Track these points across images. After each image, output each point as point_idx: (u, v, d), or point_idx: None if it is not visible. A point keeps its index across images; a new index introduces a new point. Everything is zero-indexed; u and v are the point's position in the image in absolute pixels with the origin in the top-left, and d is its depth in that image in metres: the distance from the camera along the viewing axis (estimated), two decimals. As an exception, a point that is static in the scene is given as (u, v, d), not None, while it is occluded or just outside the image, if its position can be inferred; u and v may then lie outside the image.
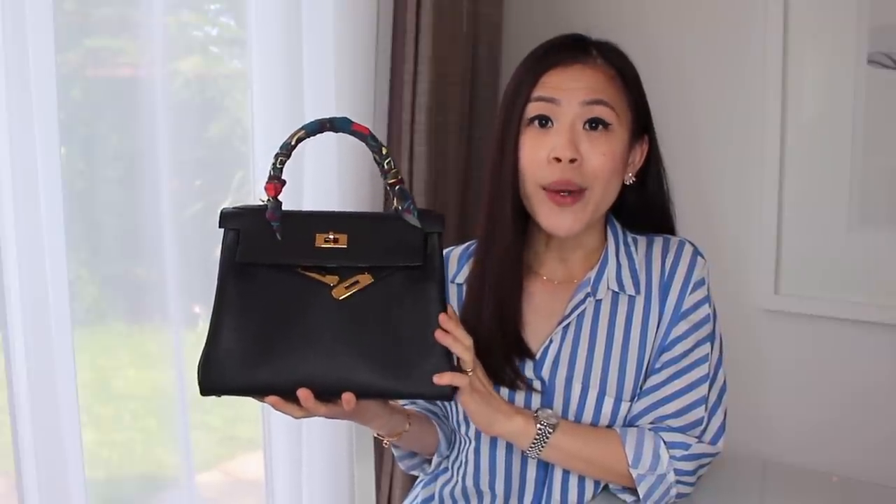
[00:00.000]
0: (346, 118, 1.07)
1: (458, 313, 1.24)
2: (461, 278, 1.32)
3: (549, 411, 1.21)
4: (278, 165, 1.06)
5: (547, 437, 1.17)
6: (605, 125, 1.19)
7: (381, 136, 1.89)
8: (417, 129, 1.87)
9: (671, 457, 1.19)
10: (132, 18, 1.56)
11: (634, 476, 1.18)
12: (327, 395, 1.04)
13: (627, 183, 1.25)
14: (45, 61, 1.34)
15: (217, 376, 1.03)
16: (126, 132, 1.56)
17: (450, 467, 1.33)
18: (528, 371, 1.24)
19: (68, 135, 1.47)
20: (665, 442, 1.20)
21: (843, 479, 1.44)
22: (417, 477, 1.41)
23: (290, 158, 1.07)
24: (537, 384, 1.24)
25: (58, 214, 1.38)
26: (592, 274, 1.26)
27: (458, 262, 1.34)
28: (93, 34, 1.55)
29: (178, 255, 1.58)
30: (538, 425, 1.17)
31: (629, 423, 1.23)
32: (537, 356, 1.24)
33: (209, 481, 1.84)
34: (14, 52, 1.30)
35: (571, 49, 1.22)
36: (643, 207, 1.30)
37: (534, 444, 1.18)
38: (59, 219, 1.38)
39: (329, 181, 1.77)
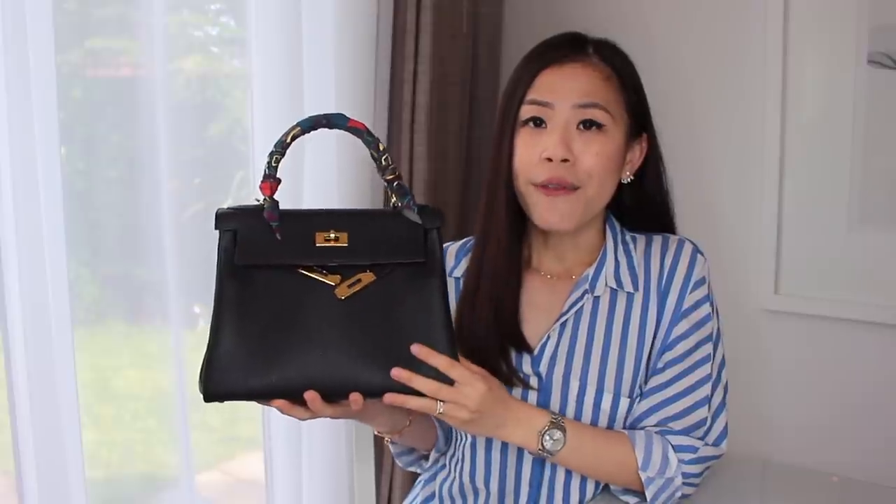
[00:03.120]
0: (341, 114, 1.05)
1: (453, 306, 1.24)
2: (459, 272, 1.32)
3: (555, 435, 1.16)
4: (273, 164, 1.04)
5: (551, 457, 1.17)
6: (599, 126, 1.19)
7: (381, 136, 1.89)
8: (417, 129, 1.87)
9: (680, 460, 1.19)
10: (132, 18, 1.56)
11: (643, 479, 1.18)
12: (334, 396, 1.03)
13: (625, 181, 1.25)
14: (45, 61, 1.33)
15: (220, 383, 1.01)
16: (126, 132, 1.56)
17: (447, 464, 1.33)
18: (526, 367, 1.24)
19: (68, 135, 1.47)
20: (673, 445, 1.20)
21: (843, 479, 1.44)
22: (417, 477, 1.41)
23: (289, 155, 1.06)
24: (534, 381, 1.24)
25: (58, 214, 1.38)
26: (591, 271, 1.26)
27: (455, 257, 1.35)
28: (93, 34, 1.54)
29: (178, 255, 1.58)
30: (538, 447, 1.16)
31: (632, 424, 1.23)
32: (535, 352, 1.24)
33: (209, 481, 1.84)
34: (14, 52, 1.30)
35: (567, 47, 1.22)
36: (642, 206, 1.29)
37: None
38: (59, 219, 1.38)
39: (328, 178, 1.77)
